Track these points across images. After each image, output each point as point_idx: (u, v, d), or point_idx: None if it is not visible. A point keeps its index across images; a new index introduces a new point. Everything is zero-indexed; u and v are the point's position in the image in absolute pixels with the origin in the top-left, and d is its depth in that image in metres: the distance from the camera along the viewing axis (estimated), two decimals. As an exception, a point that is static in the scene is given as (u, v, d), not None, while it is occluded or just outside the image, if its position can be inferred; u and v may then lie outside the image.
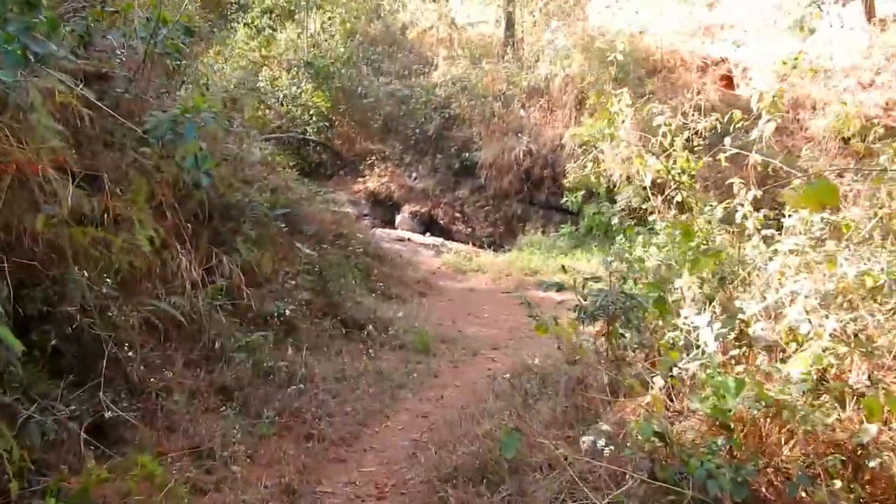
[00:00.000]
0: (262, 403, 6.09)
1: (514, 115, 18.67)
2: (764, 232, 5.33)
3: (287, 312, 7.69)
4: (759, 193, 5.54)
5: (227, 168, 8.16)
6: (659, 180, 6.55)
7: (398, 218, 19.11)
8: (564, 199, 16.91)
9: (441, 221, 19.02)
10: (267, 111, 18.56)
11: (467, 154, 18.75)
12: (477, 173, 18.59)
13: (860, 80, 17.17)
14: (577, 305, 5.48)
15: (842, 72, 17.59)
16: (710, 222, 5.93)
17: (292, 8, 22.03)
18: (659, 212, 6.63)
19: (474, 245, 18.23)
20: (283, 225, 9.01)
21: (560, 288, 5.60)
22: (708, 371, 3.97)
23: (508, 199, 18.27)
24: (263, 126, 17.05)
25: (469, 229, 18.78)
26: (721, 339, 4.14)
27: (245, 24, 20.46)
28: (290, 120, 19.85)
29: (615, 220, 16.22)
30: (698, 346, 4.28)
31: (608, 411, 4.98)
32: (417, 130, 19.65)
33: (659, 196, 6.68)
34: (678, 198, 6.37)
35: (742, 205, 5.51)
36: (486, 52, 21.10)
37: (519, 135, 18.15)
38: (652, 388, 4.34)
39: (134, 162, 6.06)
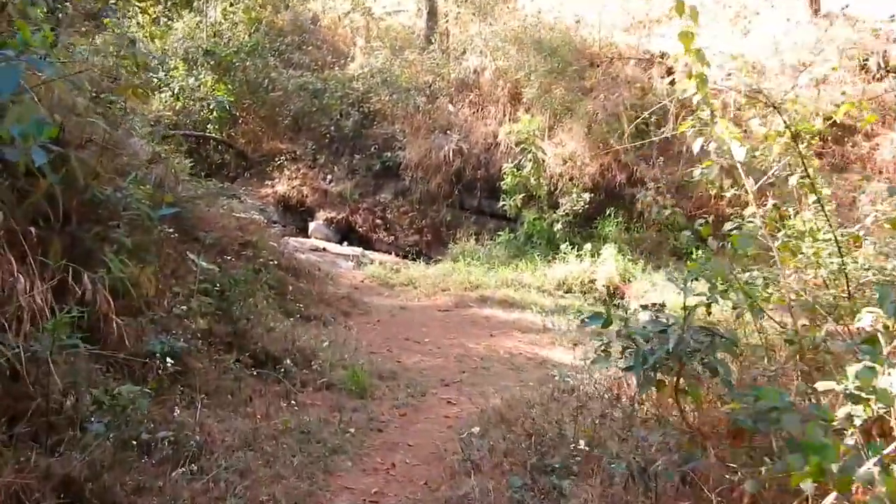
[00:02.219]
0: (131, 500, 3.99)
1: (441, 110, 16.79)
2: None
3: (176, 349, 5.57)
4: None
5: (92, 152, 5.98)
6: (757, 154, 4.67)
7: (311, 225, 16.99)
8: (501, 203, 15.14)
9: (360, 229, 16.98)
10: (154, 85, 15.96)
11: (389, 154, 16.77)
12: (400, 175, 16.63)
13: (813, 77, 15.98)
14: (625, 348, 3.54)
15: (791, 68, 16.41)
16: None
17: (190, -4, 19.68)
18: (756, 202, 4.74)
19: (397, 255, 16.30)
20: (172, 230, 6.87)
21: (608, 323, 3.61)
22: None
23: (436, 203, 16.36)
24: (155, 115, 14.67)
25: (391, 238, 16.79)
26: None
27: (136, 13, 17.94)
28: (186, 115, 17.51)
29: (558, 227, 14.61)
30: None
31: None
32: (332, 128, 17.58)
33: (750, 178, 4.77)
34: (793, 180, 4.49)
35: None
36: (407, 43, 19.20)
37: (447, 132, 16.29)
38: None
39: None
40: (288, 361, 7.15)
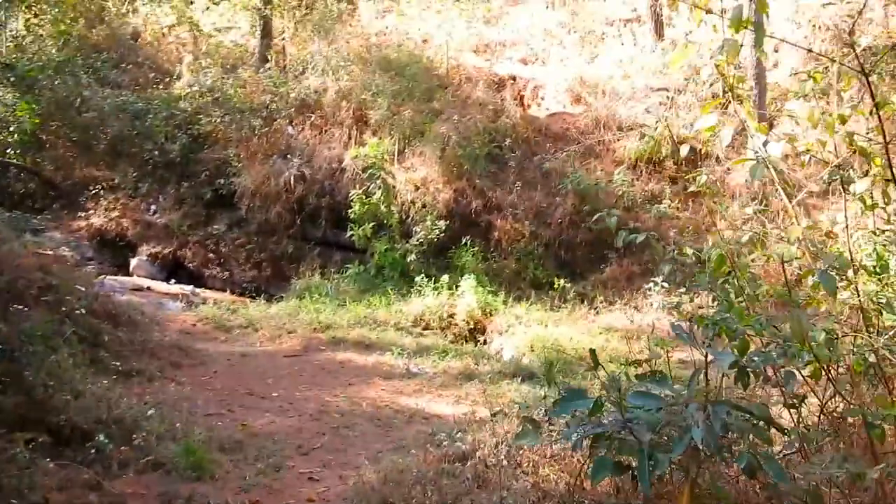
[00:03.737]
0: None
1: (279, 133, 15.39)
2: None
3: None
4: None
5: None
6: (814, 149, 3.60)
7: (133, 262, 15.10)
8: (348, 233, 13.87)
9: (190, 265, 15.25)
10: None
11: (222, 180, 15.14)
12: (235, 204, 15.04)
13: (661, 101, 15.84)
14: (613, 435, 2.41)
15: (641, 92, 16.22)
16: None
17: (-14, 5, 17.35)
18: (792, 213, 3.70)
19: (234, 293, 14.70)
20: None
21: (598, 408, 2.40)
22: None
23: (276, 234, 14.89)
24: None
25: (226, 273, 15.16)
26: None
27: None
28: (-19, 139, 15.24)
29: (412, 257, 13.52)
30: None
31: None
32: (156, 152, 15.74)
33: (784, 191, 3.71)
34: (860, 186, 3.35)
35: None
36: (239, 61, 17.68)
37: (287, 156, 14.91)
38: None
39: None
40: (101, 437, 5.62)
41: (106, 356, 7.82)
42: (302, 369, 9.19)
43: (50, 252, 9.33)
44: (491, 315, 12.22)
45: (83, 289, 8.07)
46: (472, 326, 12.10)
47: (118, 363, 7.74)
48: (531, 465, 5.13)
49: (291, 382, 8.55)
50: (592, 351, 2.69)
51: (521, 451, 5.33)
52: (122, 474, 5.39)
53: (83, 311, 7.70)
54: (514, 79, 17.07)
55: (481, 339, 11.99)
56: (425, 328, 11.91)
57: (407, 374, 9.10)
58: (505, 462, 5.16)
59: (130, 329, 9.07)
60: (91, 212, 15.45)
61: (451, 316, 12.16)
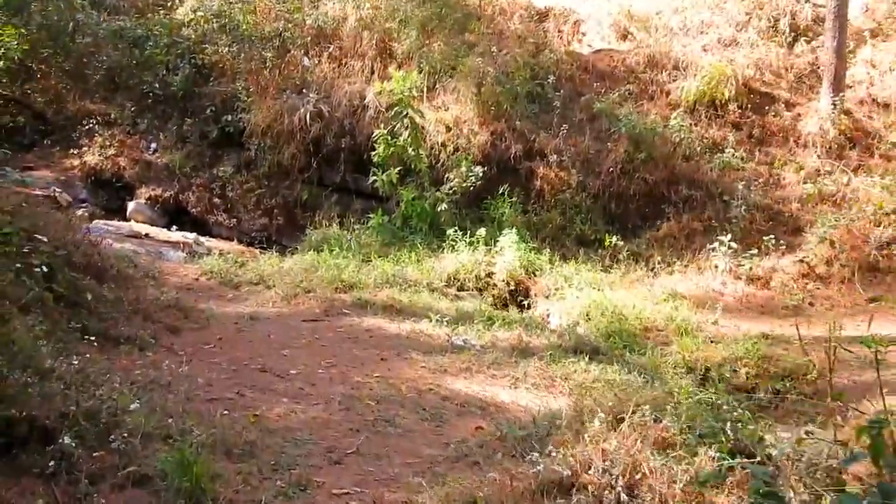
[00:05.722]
0: None
1: (294, 65, 13.75)
2: None
3: None
4: None
5: None
6: None
7: (131, 205, 13.65)
8: (371, 179, 12.29)
9: (193, 210, 13.77)
10: None
11: (230, 117, 13.59)
12: (244, 143, 13.51)
13: (720, 38, 14.12)
14: None
15: (696, 28, 14.49)
16: None
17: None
18: None
19: (241, 242, 13.27)
20: None
21: None
22: None
23: (289, 178, 13.35)
24: None
25: (233, 221, 13.67)
26: None
27: None
28: (-36, 66, 13.71)
29: (443, 208, 11.97)
30: None
31: None
32: (157, 85, 14.24)
33: None
34: None
35: None
36: (249, -16, 15.97)
37: (303, 91, 13.29)
38: None
39: None
40: (67, 438, 4.18)
41: (86, 319, 6.36)
42: (323, 339, 7.70)
43: (23, 190, 7.80)
44: (535, 275, 10.73)
45: (52, 236, 6.52)
46: (512, 288, 10.63)
47: (101, 328, 6.28)
48: (658, 499, 3.68)
49: (312, 356, 7.06)
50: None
51: (638, 476, 3.88)
52: (92, 492, 3.95)
53: (62, 261, 6.20)
54: (547, 12, 15.37)
55: (524, 302, 10.52)
56: (460, 288, 10.46)
57: (450, 348, 7.62)
58: (624, 495, 3.71)
59: (120, 285, 7.62)
60: (85, 149, 13.98)
61: (490, 275, 10.69)
